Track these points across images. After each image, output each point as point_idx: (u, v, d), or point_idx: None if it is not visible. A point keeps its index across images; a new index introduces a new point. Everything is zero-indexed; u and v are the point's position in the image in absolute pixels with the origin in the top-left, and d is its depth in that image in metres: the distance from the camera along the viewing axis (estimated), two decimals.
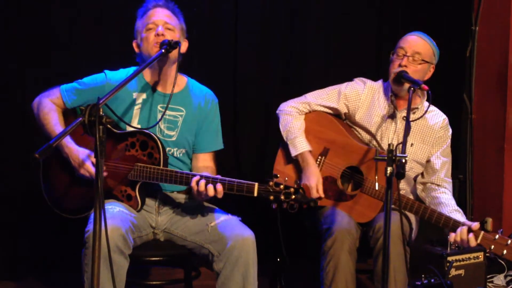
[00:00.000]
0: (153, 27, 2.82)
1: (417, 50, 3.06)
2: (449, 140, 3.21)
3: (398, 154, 2.25)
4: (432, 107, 3.16)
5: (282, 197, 2.57)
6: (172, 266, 3.61)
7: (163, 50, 2.69)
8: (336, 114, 3.28)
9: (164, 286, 3.58)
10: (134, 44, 2.93)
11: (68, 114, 2.91)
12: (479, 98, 4.58)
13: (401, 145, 2.38)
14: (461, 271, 3.51)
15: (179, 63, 2.88)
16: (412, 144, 3.15)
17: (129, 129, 2.79)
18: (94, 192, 2.10)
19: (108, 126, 2.74)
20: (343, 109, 3.24)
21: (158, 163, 2.71)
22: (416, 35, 3.12)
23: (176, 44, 2.73)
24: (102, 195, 2.11)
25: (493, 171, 4.45)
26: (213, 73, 3.99)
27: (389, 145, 2.27)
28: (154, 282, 3.65)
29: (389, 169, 2.25)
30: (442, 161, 3.17)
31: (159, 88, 2.91)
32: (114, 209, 2.68)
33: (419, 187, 3.22)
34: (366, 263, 3.57)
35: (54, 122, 2.81)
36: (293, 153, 3.16)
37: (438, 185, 3.16)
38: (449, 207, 3.03)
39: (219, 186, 2.61)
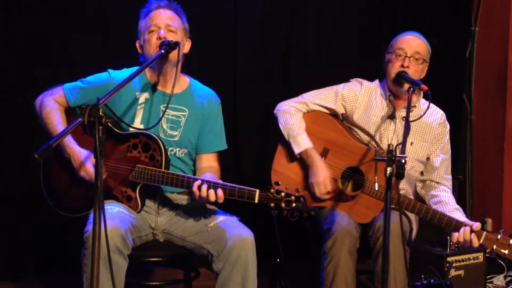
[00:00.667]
0: (155, 29, 2.81)
1: (417, 50, 3.08)
2: (448, 136, 3.22)
3: (397, 155, 2.26)
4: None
5: (283, 205, 2.58)
6: (171, 266, 3.61)
7: (162, 51, 2.68)
8: (333, 114, 3.28)
9: (163, 287, 3.57)
10: (137, 45, 2.92)
11: (71, 113, 2.90)
12: (478, 99, 4.58)
13: (400, 145, 2.38)
14: (461, 272, 3.51)
15: (181, 63, 2.88)
16: (412, 143, 3.15)
17: (132, 129, 2.78)
18: (94, 193, 2.10)
19: (110, 125, 2.74)
20: (341, 110, 3.24)
21: (160, 165, 2.71)
22: (412, 34, 3.13)
23: (175, 45, 2.72)
24: (102, 196, 2.10)
25: (492, 171, 4.46)
26: (213, 73, 3.99)
27: (388, 145, 2.27)
28: (153, 283, 3.64)
29: (388, 169, 2.25)
30: (441, 159, 3.17)
31: (161, 88, 2.90)
32: (114, 210, 2.68)
33: (419, 185, 3.23)
34: (366, 264, 3.57)
35: (56, 121, 2.81)
36: (297, 151, 3.14)
37: (437, 183, 3.17)
38: (449, 205, 3.04)
39: (220, 192, 2.62)
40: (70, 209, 2.84)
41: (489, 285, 3.92)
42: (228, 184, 2.63)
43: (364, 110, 3.20)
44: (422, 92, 3.12)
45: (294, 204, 2.57)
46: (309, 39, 4.29)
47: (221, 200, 2.63)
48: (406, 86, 3.01)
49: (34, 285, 3.73)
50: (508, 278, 4.01)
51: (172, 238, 2.87)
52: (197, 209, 2.87)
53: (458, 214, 2.98)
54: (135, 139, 2.76)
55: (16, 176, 3.71)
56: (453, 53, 4.52)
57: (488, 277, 3.81)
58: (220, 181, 2.66)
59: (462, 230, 2.82)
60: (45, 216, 3.22)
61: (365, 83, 3.26)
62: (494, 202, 4.45)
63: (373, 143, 3.18)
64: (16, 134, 3.69)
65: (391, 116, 3.16)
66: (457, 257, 3.50)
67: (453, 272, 3.47)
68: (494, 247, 2.76)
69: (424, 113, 3.03)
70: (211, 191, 2.61)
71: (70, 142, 2.75)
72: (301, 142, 3.15)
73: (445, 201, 3.07)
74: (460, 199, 4.45)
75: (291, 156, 3.21)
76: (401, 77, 3.03)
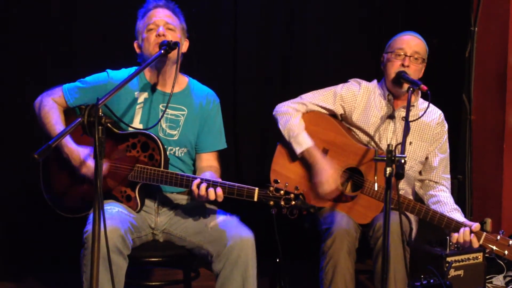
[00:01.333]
0: (154, 27, 2.82)
1: (416, 49, 3.08)
2: (446, 135, 3.22)
3: (397, 155, 2.26)
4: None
5: (282, 203, 2.58)
6: (171, 267, 3.62)
7: (162, 51, 2.69)
8: (332, 114, 3.28)
9: (163, 287, 3.58)
10: (135, 45, 2.93)
11: (69, 113, 2.91)
12: (478, 99, 4.58)
13: (400, 145, 2.38)
14: (460, 272, 3.52)
15: (180, 63, 2.88)
16: (410, 143, 3.15)
17: (131, 129, 2.79)
18: (93, 193, 2.11)
19: (109, 125, 2.75)
20: (339, 111, 3.24)
21: (159, 164, 2.71)
22: (411, 34, 3.13)
23: (175, 45, 2.72)
24: (101, 196, 2.11)
25: (492, 171, 4.46)
26: (213, 73, 4.00)
27: (388, 145, 2.27)
28: (153, 283, 3.65)
29: (388, 169, 2.25)
30: (440, 158, 3.17)
31: (161, 88, 2.91)
32: (113, 210, 2.68)
33: (417, 184, 3.23)
34: (365, 264, 3.57)
35: (54, 121, 2.81)
36: (298, 150, 3.13)
37: (436, 183, 3.17)
38: (448, 206, 3.04)
39: (219, 190, 2.62)
40: (69, 209, 2.84)
41: (489, 285, 3.92)
42: (227, 182, 2.63)
43: (363, 110, 3.20)
44: (420, 92, 3.12)
45: (293, 202, 2.57)
46: (309, 39, 4.29)
47: (220, 199, 2.63)
48: (406, 86, 3.02)
49: (34, 285, 3.73)
50: (508, 278, 4.01)
51: (171, 238, 2.87)
52: (197, 209, 2.87)
53: (457, 214, 2.98)
54: (134, 138, 2.76)
55: (16, 176, 3.71)
56: (453, 53, 4.51)
57: (487, 277, 3.82)
58: (219, 180, 2.66)
59: (461, 231, 2.82)
60: (45, 216, 3.23)
61: (364, 83, 3.26)
62: (494, 202, 4.45)
63: (373, 143, 3.18)
64: (16, 134, 3.69)
65: (390, 116, 3.16)
66: (456, 257, 3.50)
67: (452, 272, 3.48)
68: (494, 248, 2.77)
69: (423, 113, 3.03)
70: (211, 190, 2.61)
71: (68, 142, 2.75)
72: (302, 141, 3.14)
73: (443, 201, 3.07)
74: (460, 199, 4.44)
75: (290, 156, 3.21)
76: (401, 77, 3.03)
